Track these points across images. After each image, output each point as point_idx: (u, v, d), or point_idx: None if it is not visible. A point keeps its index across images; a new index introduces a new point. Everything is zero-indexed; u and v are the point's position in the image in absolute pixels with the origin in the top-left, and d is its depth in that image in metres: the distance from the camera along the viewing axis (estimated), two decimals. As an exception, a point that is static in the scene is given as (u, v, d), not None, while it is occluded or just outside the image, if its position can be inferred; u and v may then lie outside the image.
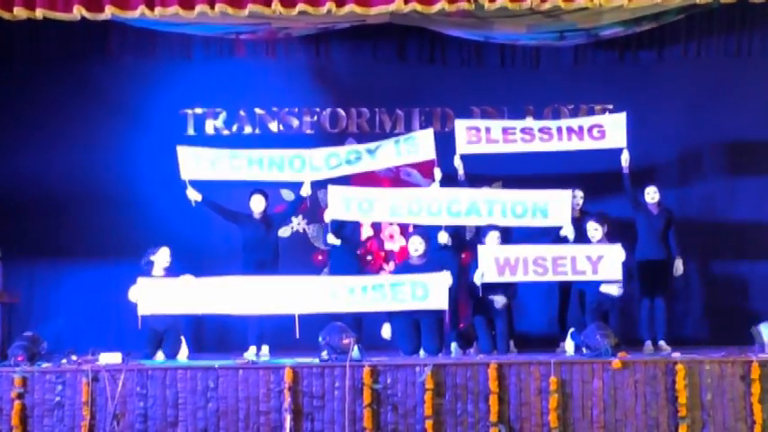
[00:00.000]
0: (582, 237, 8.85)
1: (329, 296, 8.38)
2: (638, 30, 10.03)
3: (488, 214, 8.99)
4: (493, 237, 8.73)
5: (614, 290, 8.57)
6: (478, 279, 8.54)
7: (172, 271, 8.69)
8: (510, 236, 9.15)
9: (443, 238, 9.00)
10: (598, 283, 8.60)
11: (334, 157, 9.29)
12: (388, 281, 8.54)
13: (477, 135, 9.25)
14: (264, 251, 9.11)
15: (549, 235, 9.10)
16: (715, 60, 10.59)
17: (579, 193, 9.33)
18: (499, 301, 8.71)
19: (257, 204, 9.18)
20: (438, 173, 9.22)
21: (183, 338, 8.83)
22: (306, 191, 9.22)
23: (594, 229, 8.77)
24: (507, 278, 8.55)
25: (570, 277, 8.61)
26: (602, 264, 8.47)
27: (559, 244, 8.87)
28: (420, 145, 9.20)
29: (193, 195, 9.06)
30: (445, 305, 8.35)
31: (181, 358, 8.64)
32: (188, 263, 8.87)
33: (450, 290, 8.45)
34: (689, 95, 10.54)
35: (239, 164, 9.19)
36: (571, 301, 8.96)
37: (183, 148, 9.16)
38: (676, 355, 7.95)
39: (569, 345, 8.62)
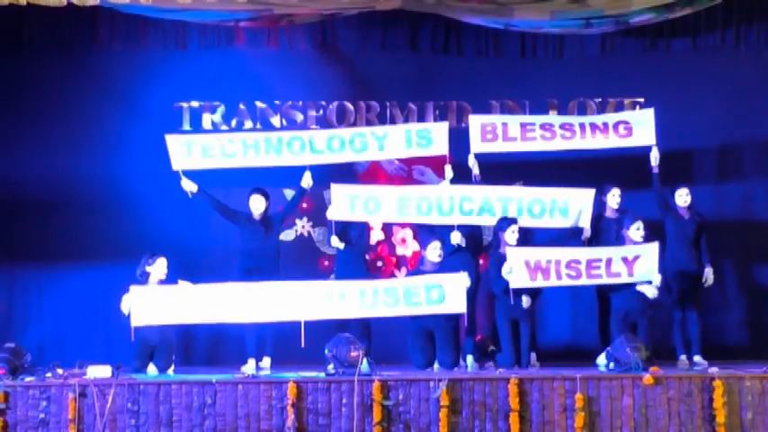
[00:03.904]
0: (618, 239, 8.87)
1: (337, 301, 8.42)
2: (670, 16, 9.93)
3: (503, 213, 8.99)
4: (510, 232, 8.72)
5: (650, 291, 8.56)
6: (506, 273, 8.52)
7: (168, 284, 8.65)
8: (533, 237, 9.16)
9: (456, 237, 8.98)
10: (624, 290, 8.61)
11: (337, 139, 9.26)
12: (401, 284, 8.58)
13: (494, 132, 9.26)
14: (263, 256, 9.04)
15: (577, 237, 9.12)
16: (755, 50, 10.52)
17: (616, 191, 9.29)
18: (526, 301, 8.63)
19: (257, 205, 9.13)
20: (449, 171, 9.20)
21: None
22: (307, 182, 9.17)
23: (636, 229, 8.76)
24: (539, 283, 8.59)
25: (605, 280, 8.67)
26: (638, 264, 8.52)
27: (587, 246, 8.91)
28: (433, 139, 9.18)
29: (189, 186, 9.05)
30: (463, 308, 8.40)
31: (168, 372, 8.62)
32: (184, 268, 8.90)
33: (467, 295, 8.45)
34: (726, 88, 10.47)
35: (233, 150, 9.17)
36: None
37: (171, 137, 9.19)
38: (714, 370, 7.92)
39: (603, 360, 8.54)
